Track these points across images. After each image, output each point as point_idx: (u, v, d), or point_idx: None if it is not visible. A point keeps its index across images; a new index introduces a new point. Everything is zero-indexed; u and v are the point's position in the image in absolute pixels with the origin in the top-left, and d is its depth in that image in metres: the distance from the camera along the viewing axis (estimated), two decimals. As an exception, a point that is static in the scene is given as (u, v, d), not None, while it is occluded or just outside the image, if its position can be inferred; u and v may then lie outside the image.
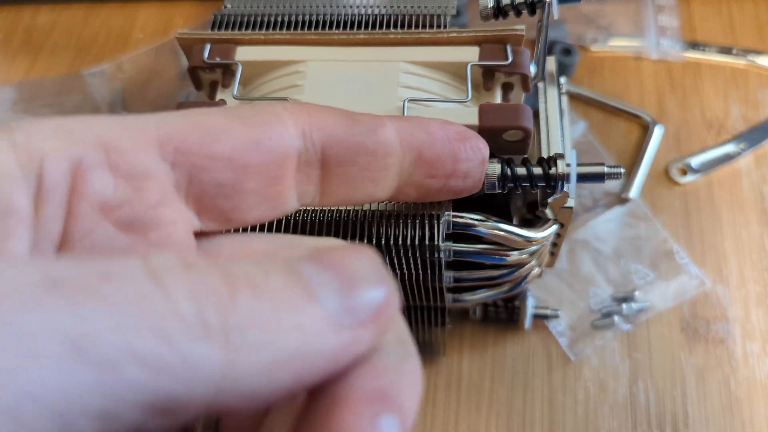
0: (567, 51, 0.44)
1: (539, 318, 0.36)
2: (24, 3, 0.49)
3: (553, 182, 0.23)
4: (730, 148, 0.42)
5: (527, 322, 0.36)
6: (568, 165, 0.23)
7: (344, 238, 0.23)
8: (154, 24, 0.48)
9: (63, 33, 0.48)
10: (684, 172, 0.41)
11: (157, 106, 0.43)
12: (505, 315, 0.36)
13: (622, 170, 0.23)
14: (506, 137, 0.26)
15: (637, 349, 0.36)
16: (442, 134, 0.21)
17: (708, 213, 0.40)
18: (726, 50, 0.46)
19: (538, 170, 0.23)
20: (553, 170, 0.23)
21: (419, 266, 0.25)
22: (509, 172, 0.23)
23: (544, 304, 0.37)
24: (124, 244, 0.17)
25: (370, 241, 0.23)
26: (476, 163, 0.22)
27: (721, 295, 0.38)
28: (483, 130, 0.25)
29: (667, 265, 0.38)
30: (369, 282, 0.15)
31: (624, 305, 0.37)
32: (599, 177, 0.23)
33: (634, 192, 0.40)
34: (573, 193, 0.23)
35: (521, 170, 0.23)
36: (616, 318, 0.36)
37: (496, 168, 0.23)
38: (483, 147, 0.22)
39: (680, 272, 0.38)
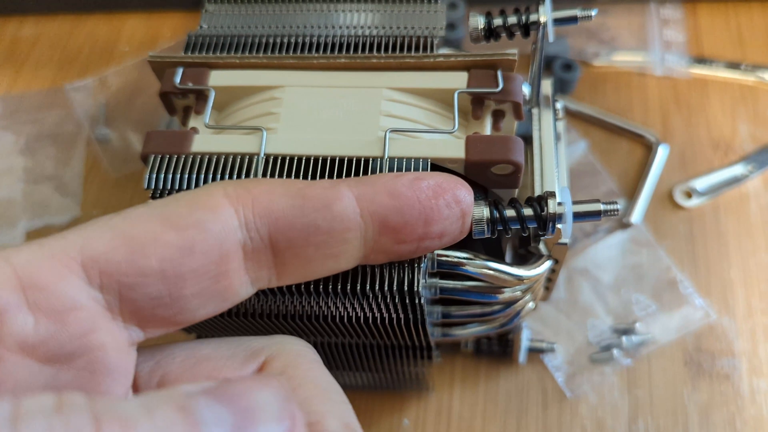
0: (568, 66, 0.43)
1: (534, 351, 0.34)
2: (8, 14, 0.48)
3: (545, 223, 0.22)
4: (737, 169, 0.40)
5: (522, 356, 0.34)
6: (560, 204, 0.22)
7: (316, 286, 0.21)
8: (141, 36, 0.47)
9: (47, 45, 0.47)
10: (689, 196, 0.39)
11: (140, 122, 0.42)
12: (498, 348, 0.34)
13: (619, 206, 0.21)
14: (495, 171, 0.24)
15: (638, 384, 0.34)
16: (410, 195, 0.19)
17: (714, 239, 0.38)
18: (734, 66, 0.44)
19: (528, 211, 0.22)
20: (545, 211, 0.22)
21: (398, 309, 0.23)
22: (497, 215, 0.22)
23: (540, 336, 0.35)
24: (47, 378, 0.16)
25: (344, 286, 0.21)
26: (453, 220, 0.20)
27: (727, 327, 0.36)
28: (470, 164, 0.24)
29: (670, 294, 0.36)
30: (269, 418, 0.14)
31: (624, 338, 0.35)
32: (595, 215, 0.21)
33: (636, 217, 0.38)
34: (568, 235, 0.22)
35: (510, 212, 0.22)
36: (615, 352, 0.34)
37: (483, 212, 0.22)
38: (463, 198, 0.21)
39: (684, 303, 0.36)
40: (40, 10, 0.48)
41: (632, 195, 0.39)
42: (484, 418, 0.34)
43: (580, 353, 0.35)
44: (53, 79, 0.45)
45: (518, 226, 0.22)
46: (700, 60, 0.44)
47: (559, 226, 0.22)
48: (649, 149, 0.41)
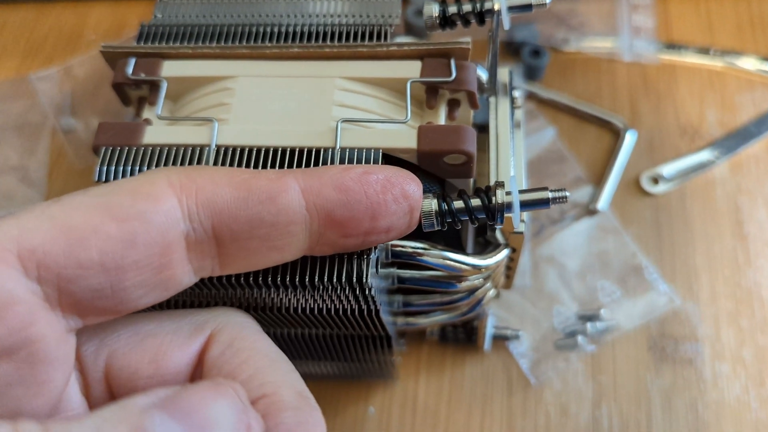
0: (536, 53, 0.42)
1: (499, 339, 0.35)
2: (-28, 2, 0.47)
3: (493, 214, 0.22)
4: (704, 155, 0.40)
5: (486, 343, 0.34)
6: (508, 193, 0.22)
7: (264, 277, 0.21)
8: (107, 24, 0.46)
9: (11, 34, 0.46)
10: (656, 182, 0.39)
11: (106, 112, 0.42)
12: (463, 336, 0.34)
13: (567, 194, 0.21)
14: (448, 160, 0.24)
15: (602, 370, 0.35)
16: (357, 189, 0.19)
17: (680, 225, 0.38)
18: (703, 51, 0.44)
19: (476, 202, 0.22)
20: (493, 201, 0.22)
21: (350, 299, 0.23)
22: (446, 208, 0.21)
23: (505, 323, 0.35)
24: None
25: (292, 278, 0.21)
26: (401, 215, 0.20)
27: (690, 312, 0.36)
28: (422, 154, 0.24)
29: (635, 281, 0.37)
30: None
31: (589, 324, 0.35)
32: (543, 203, 0.21)
33: (603, 203, 0.39)
34: (517, 223, 0.22)
35: (458, 204, 0.22)
36: (579, 338, 0.35)
37: (432, 204, 0.21)
38: (412, 192, 0.20)
39: (648, 289, 0.36)
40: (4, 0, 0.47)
41: (600, 181, 0.40)
42: (449, 406, 0.34)
43: (545, 340, 0.35)
44: (18, 69, 0.44)
45: (467, 217, 0.22)
46: (670, 45, 0.44)
47: (508, 215, 0.22)
48: (618, 135, 0.41)
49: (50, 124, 0.41)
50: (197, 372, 0.20)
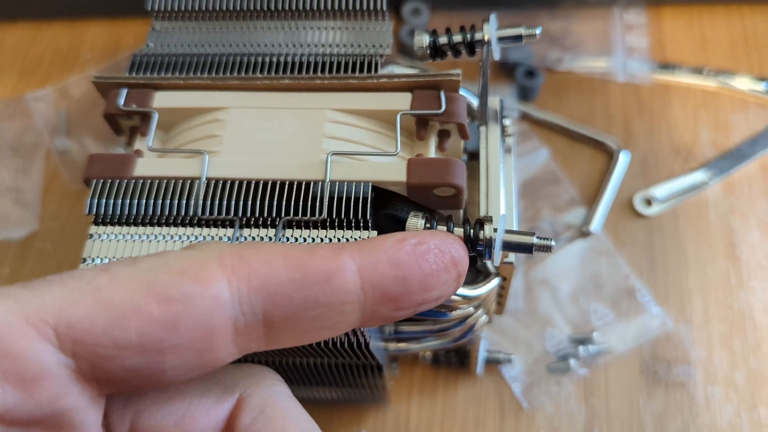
0: (530, 73, 0.43)
1: (492, 362, 0.35)
2: (-32, 21, 0.47)
3: (476, 247, 0.22)
4: (697, 176, 0.40)
5: (479, 367, 0.34)
6: (495, 230, 0.22)
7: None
8: (103, 43, 0.46)
9: (8, 53, 0.46)
10: (649, 203, 0.40)
11: (102, 132, 0.42)
12: (456, 359, 0.34)
13: (553, 243, 0.21)
14: (437, 193, 0.24)
15: (594, 394, 0.35)
16: (413, 264, 0.19)
17: (673, 247, 0.38)
18: (697, 71, 0.44)
19: (459, 232, 0.22)
20: (480, 234, 0.22)
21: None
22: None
23: (498, 346, 0.35)
24: None
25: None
26: (450, 284, 0.20)
27: (683, 335, 0.36)
28: (411, 187, 0.24)
29: (628, 303, 0.37)
30: None
31: (581, 348, 0.35)
32: (527, 249, 0.21)
33: (596, 225, 0.39)
34: (497, 261, 0.22)
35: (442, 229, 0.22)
36: (572, 362, 0.35)
37: (418, 225, 0.22)
38: (460, 260, 0.20)
39: (641, 311, 0.36)
40: (0, 18, 0.47)
41: (593, 203, 0.40)
42: (441, 429, 0.34)
43: (537, 363, 0.35)
44: (14, 89, 0.44)
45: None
46: (663, 65, 0.44)
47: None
48: (611, 156, 0.41)
49: (45, 145, 0.41)
50: None
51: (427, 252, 0.19)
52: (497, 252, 0.21)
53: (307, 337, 0.19)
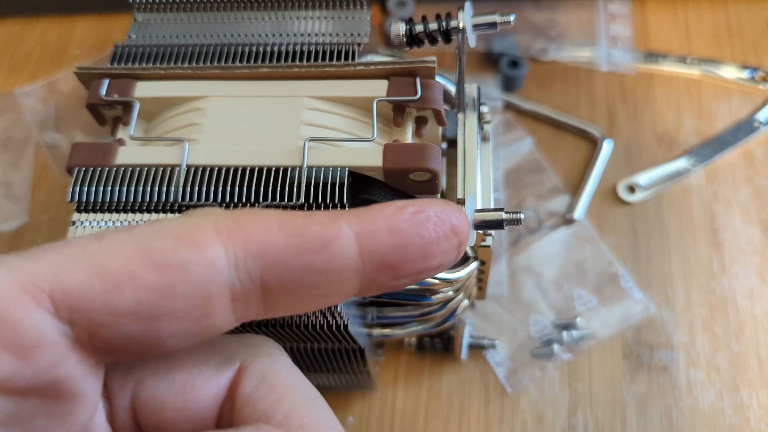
0: (514, 63, 0.43)
1: (476, 348, 0.35)
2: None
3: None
4: (681, 164, 0.41)
5: (463, 352, 0.35)
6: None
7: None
8: (92, 38, 0.47)
9: (-3, 49, 0.47)
10: (632, 191, 0.40)
11: (91, 127, 0.42)
12: (440, 345, 0.35)
13: (522, 215, 0.22)
14: (413, 177, 0.25)
15: (578, 378, 0.35)
16: (411, 231, 0.18)
17: (656, 233, 0.39)
18: (681, 60, 0.44)
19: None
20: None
21: (318, 316, 0.23)
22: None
23: (482, 332, 0.36)
24: (10, 407, 0.16)
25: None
26: (451, 252, 0.19)
27: (666, 319, 0.36)
28: (388, 172, 0.24)
29: (612, 289, 0.37)
30: None
31: (564, 333, 0.36)
32: (497, 225, 0.22)
33: (579, 212, 0.39)
34: (471, 241, 0.22)
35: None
36: (556, 347, 0.35)
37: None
38: (461, 227, 0.19)
39: (624, 297, 0.37)
40: (-10, 14, 0.48)
41: (577, 191, 0.40)
42: (427, 415, 0.34)
43: (522, 349, 0.36)
44: (2, 85, 0.45)
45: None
46: (647, 54, 0.45)
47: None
48: (595, 145, 0.42)
49: (34, 140, 0.42)
50: (226, 406, 0.19)
51: (427, 220, 0.19)
52: (471, 232, 0.21)
53: (306, 305, 0.19)
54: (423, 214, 0.19)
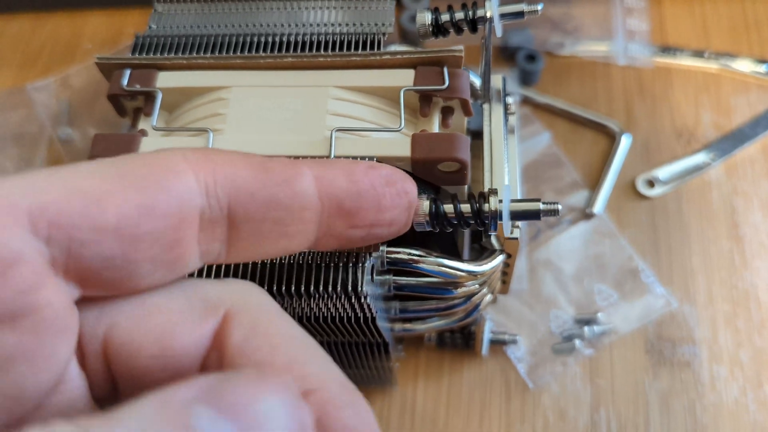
0: (531, 57, 0.43)
1: (497, 343, 0.35)
2: (-31, 13, 0.47)
3: (483, 220, 0.22)
4: (700, 158, 0.40)
5: (484, 348, 0.34)
6: (500, 201, 0.22)
7: (260, 285, 0.21)
8: (103, 33, 0.46)
9: (8, 45, 0.46)
10: (652, 185, 0.40)
11: (104, 122, 0.42)
12: (461, 341, 0.34)
13: (559, 206, 0.21)
14: (441, 168, 0.24)
15: (600, 374, 0.35)
16: (366, 181, 0.20)
17: (676, 228, 0.38)
18: (698, 54, 0.44)
19: (466, 207, 0.22)
20: (485, 207, 0.22)
21: (346, 307, 0.23)
22: (435, 211, 0.22)
23: (503, 328, 0.36)
24: None
25: (288, 288, 0.21)
26: (401, 210, 0.21)
27: (687, 315, 0.36)
28: (416, 162, 0.24)
29: (632, 284, 0.37)
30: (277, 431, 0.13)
31: (586, 328, 0.35)
32: (534, 215, 0.21)
33: (599, 207, 0.39)
34: (507, 231, 0.22)
35: (448, 208, 0.22)
36: (577, 342, 0.35)
37: (424, 206, 0.22)
38: (410, 190, 0.21)
39: (645, 291, 0.36)
40: (0, 10, 0.47)
41: (596, 185, 0.40)
42: (447, 411, 0.34)
43: (542, 344, 0.35)
44: (15, 80, 0.44)
45: (457, 221, 0.22)
46: (664, 49, 0.44)
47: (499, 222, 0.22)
48: (613, 139, 0.41)
49: (47, 135, 0.42)
50: (212, 356, 0.18)
51: (379, 175, 0.20)
52: (506, 222, 0.21)
53: (267, 245, 0.19)
54: (376, 170, 0.20)
